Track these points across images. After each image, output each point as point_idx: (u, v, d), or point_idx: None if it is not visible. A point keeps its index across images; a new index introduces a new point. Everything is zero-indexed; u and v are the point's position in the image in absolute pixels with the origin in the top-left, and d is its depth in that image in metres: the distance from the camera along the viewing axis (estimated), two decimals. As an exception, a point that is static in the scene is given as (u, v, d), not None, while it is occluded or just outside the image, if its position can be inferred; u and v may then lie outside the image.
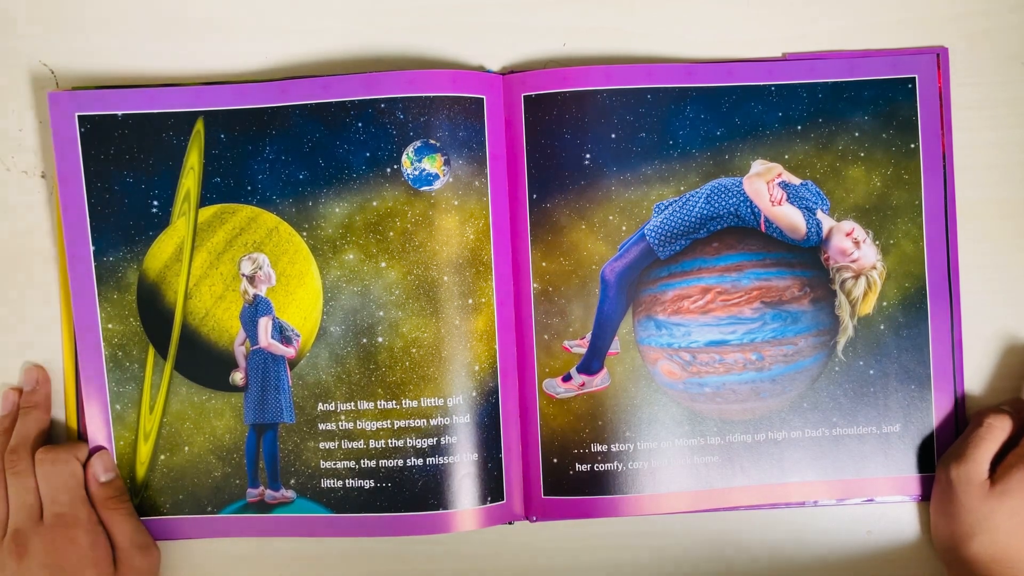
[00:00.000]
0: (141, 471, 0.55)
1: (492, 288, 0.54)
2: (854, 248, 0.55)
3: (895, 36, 0.56)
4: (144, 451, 0.55)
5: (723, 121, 0.55)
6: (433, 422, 0.54)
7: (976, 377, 0.57)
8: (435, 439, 0.54)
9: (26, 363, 0.56)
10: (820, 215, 0.55)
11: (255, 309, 0.55)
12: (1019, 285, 0.57)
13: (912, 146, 0.55)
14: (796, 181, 0.55)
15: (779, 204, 0.54)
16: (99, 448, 0.54)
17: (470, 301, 0.54)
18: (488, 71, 0.56)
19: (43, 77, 0.56)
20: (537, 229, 0.54)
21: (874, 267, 0.55)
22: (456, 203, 0.54)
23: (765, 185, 0.54)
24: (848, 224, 0.55)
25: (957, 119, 0.56)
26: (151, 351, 0.55)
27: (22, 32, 0.56)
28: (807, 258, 0.55)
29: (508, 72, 0.55)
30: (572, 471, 0.54)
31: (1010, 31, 0.57)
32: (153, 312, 0.55)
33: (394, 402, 0.54)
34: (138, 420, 0.55)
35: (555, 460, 0.55)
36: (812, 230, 0.55)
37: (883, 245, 0.55)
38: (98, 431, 0.54)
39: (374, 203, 0.54)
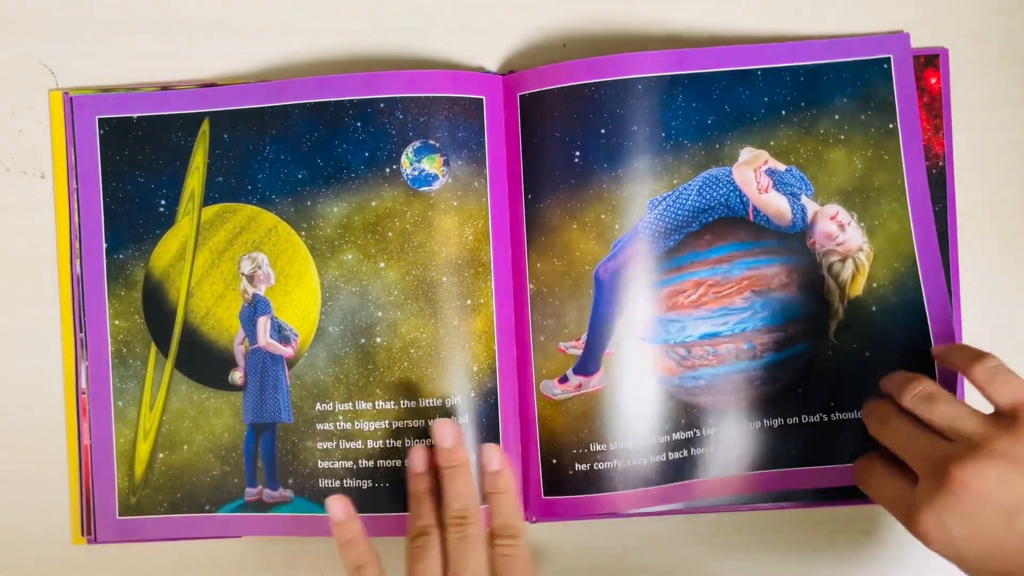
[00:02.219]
0: (140, 469, 0.55)
1: (491, 289, 0.54)
2: (839, 231, 0.54)
3: (896, 36, 0.56)
4: (143, 449, 0.55)
5: (714, 109, 0.54)
6: (432, 423, 0.54)
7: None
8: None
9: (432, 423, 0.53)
10: (804, 200, 0.55)
11: (254, 308, 0.55)
12: (1021, 286, 0.56)
13: (891, 126, 0.55)
14: (781, 167, 0.54)
15: (765, 191, 0.54)
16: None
17: (469, 302, 0.54)
18: (488, 71, 0.56)
19: (43, 77, 0.56)
20: (532, 230, 0.54)
21: (860, 249, 0.55)
22: (455, 204, 0.54)
23: (753, 173, 0.54)
24: (832, 208, 0.55)
25: (957, 119, 0.56)
26: (153, 349, 0.55)
27: (22, 32, 0.56)
28: (793, 244, 0.55)
29: (508, 73, 0.55)
30: (572, 471, 0.54)
31: (1011, 32, 0.56)
32: (156, 310, 0.55)
33: (392, 403, 0.54)
34: (138, 418, 0.55)
35: (554, 461, 0.54)
36: (797, 215, 0.55)
37: (868, 227, 0.55)
38: (101, 428, 0.55)
39: (373, 203, 0.54)
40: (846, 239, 0.54)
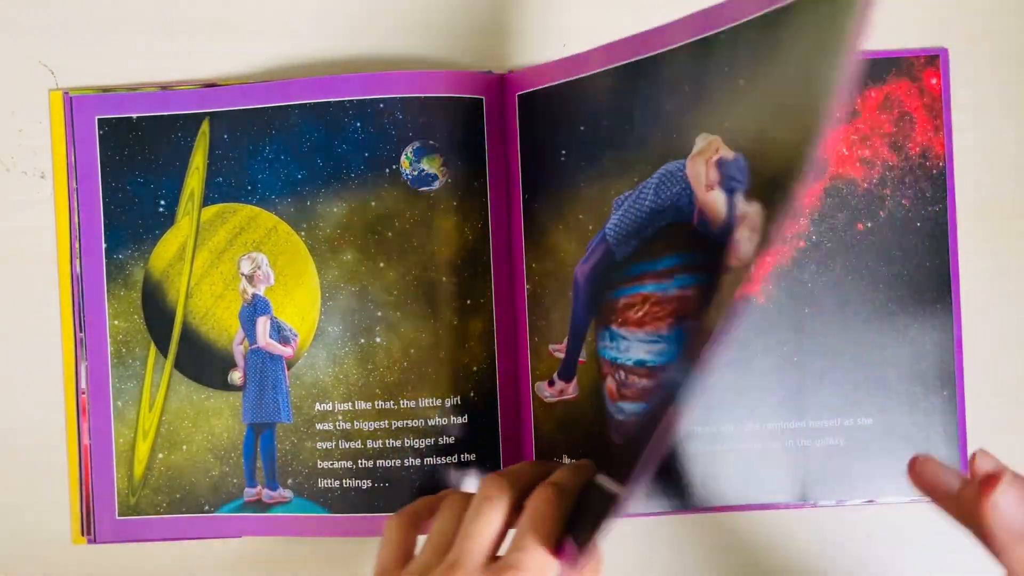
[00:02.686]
0: (139, 469, 0.55)
1: (491, 289, 0.54)
2: (745, 243, 0.40)
3: (895, 36, 0.56)
4: (143, 449, 0.55)
5: (673, 92, 0.46)
6: (431, 423, 0.54)
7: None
8: (432, 440, 0.54)
9: None
10: (738, 198, 0.43)
11: (253, 308, 0.55)
12: (1021, 286, 0.56)
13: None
14: (730, 155, 0.44)
15: (711, 189, 0.44)
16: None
17: (468, 302, 0.54)
18: (488, 72, 0.56)
19: (43, 77, 0.56)
20: (529, 230, 0.54)
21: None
22: (455, 204, 0.54)
23: (704, 165, 0.45)
24: (754, 208, 0.40)
25: (957, 119, 0.55)
26: (152, 349, 0.55)
27: (22, 32, 0.56)
28: (715, 259, 0.42)
29: (508, 72, 0.55)
30: None
31: (1011, 32, 0.56)
32: (156, 310, 0.55)
33: (392, 403, 0.54)
34: (137, 418, 0.55)
35: None
36: (729, 219, 0.43)
37: (762, 230, 0.39)
38: (100, 428, 0.55)
39: (372, 203, 0.54)
40: (740, 256, 0.40)
